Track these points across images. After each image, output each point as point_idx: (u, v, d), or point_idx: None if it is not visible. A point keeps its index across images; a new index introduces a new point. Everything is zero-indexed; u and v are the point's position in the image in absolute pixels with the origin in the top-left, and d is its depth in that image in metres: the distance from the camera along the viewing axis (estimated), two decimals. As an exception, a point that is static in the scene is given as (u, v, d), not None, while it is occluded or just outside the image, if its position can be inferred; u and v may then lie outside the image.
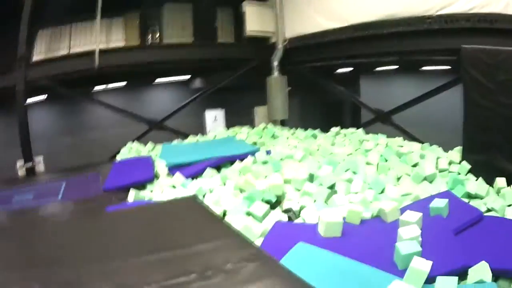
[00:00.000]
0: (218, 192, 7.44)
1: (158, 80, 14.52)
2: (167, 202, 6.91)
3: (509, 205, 6.45)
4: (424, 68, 11.38)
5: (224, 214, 6.48)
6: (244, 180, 7.44)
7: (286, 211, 6.66)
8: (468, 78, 8.00)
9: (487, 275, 4.43)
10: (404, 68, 12.14)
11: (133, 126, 13.27)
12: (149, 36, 12.97)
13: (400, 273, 4.47)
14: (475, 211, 6.01)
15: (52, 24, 11.62)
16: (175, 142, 12.57)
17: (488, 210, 6.36)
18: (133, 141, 12.59)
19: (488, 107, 7.63)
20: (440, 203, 5.91)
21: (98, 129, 13.47)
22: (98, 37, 11.44)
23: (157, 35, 13.11)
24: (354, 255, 4.79)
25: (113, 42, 12.18)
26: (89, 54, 11.48)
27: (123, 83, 13.84)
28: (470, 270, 4.58)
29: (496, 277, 4.56)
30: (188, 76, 15.03)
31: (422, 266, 4.26)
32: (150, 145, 12.00)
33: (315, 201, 6.92)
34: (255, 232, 5.68)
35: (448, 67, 10.69)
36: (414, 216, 5.42)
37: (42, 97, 12.86)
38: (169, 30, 13.09)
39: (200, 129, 13.95)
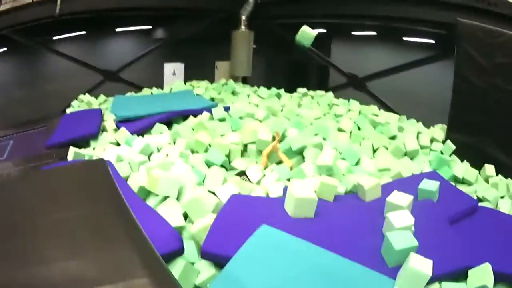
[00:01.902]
0: (166, 151, 6.42)
1: (120, 29, 13.22)
2: (60, 170, 4.86)
3: (502, 197, 5.81)
4: (406, 38, 10.54)
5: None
6: (195, 140, 6.48)
7: (240, 174, 5.80)
8: (462, 53, 7.30)
9: (489, 280, 3.66)
10: (383, 35, 11.27)
11: (89, 78, 12.14)
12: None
13: (391, 272, 3.54)
14: (470, 200, 5.20)
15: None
16: (128, 94, 11.36)
17: (479, 200, 5.59)
18: (85, 93, 11.28)
19: (482, 87, 6.97)
20: (430, 186, 5.01)
21: (55, 81, 12.09)
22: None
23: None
24: (331, 245, 3.77)
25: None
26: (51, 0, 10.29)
27: (83, 32, 12.49)
28: (470, 272, 3.79)
29: (494, 281, 3.76)
30: (150, 26, 13.78)
31: (422, 267, 3.29)
32: (102, 97, 10.75)
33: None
34: (207, 207, 4.54)
35: (432, 41, 9.94)
36: (404, 198, 4.43)
37: (1, 49, 11.53)
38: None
39: (159, 83, 12.71)
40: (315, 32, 7.24)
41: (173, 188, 4.81)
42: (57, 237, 3.05)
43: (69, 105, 10.48)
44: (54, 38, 11.97)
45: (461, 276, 3.81)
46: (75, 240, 3.00)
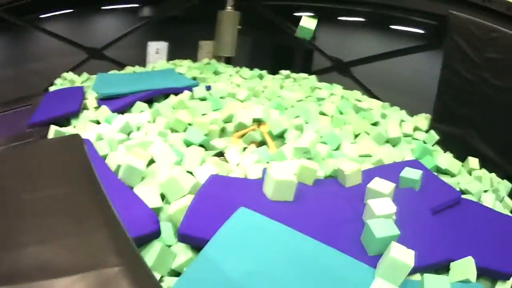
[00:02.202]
0: (146, 130, 6.24)
1: (106, 7, 13.10)
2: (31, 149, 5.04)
3: (486, 191, 5.71)
4: (394, 27, 10.52)
5: (152, 161, 5.09)
6: (175, 119, 6.35)
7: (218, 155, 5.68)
8: (452, 45, 7.26)
9: (472, 274, 3.54)
10: (371, 22, 11.25)
11: (74, 56, 12.02)
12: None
13: (370, 260, 3.41)
14: (452, 191, 5.08)
15: None
16: (111, 72, 11.08)
17: (462, 192, 5.45)
18: (68, 71, 11.01)
19: (470, 80, 6.91)
20: (413, 174, 4.88)
21: (40, 59, 12.16)
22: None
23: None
24: (310, 229, 3.62)
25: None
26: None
27: (70, 10, 12.46)
28: (452, 265, 3.69)
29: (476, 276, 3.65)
30: (137, 5, 13.55)
31: (403, 257, 3.12)
32: (85, 75, 10.49)
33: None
34: (185, 187, 4.30)
35: (421, 31, 9.95)
36: (386, 186, 4.28)
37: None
38: None
39: (143, 62, 12.54)
40: (314, 23, 6.99)
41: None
42: (26, 220, 2.94)
43: (52, 83, 10.22)
44: (41, 16, 11.83)
45: (443, 268, 3.71)
46: (45, 223, 2.90)
